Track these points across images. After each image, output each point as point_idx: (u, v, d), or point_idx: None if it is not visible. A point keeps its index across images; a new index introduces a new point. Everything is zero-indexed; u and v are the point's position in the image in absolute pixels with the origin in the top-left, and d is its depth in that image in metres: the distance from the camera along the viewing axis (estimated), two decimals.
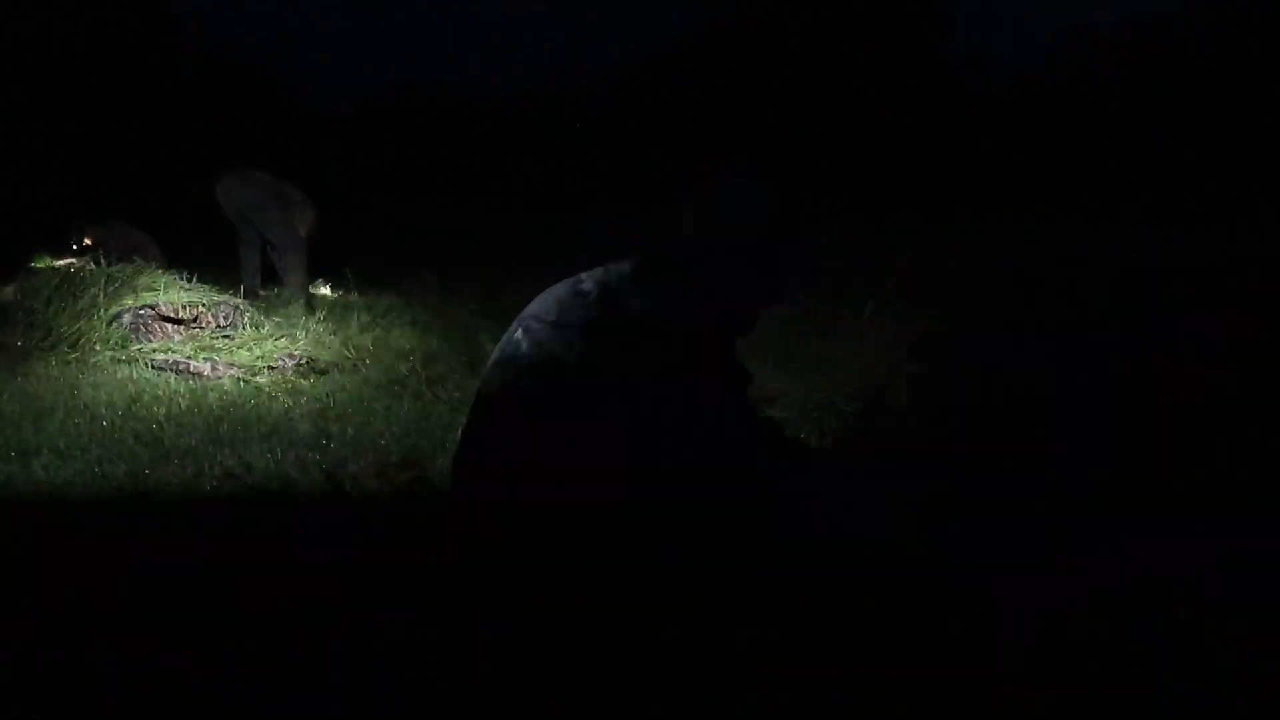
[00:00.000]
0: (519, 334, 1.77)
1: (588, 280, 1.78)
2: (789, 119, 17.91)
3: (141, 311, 4.59)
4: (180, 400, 3.46)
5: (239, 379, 3.96)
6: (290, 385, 3.85)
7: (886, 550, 1.65)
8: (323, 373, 4.10)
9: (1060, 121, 22.09)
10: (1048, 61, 24.75)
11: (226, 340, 4.49)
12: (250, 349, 4.35)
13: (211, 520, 2.18)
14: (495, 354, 1.84)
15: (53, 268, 5.59)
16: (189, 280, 5.07)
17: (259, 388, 3.80)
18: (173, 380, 3.88)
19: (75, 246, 6.39)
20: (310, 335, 4.70)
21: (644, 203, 10.75)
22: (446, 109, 26.45)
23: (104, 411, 3.25)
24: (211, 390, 3.70)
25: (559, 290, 1.80)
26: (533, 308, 1.80)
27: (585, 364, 1.66)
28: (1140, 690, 1.37)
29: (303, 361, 4.23)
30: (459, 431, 2.65)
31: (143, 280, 4.88)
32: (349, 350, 4.34)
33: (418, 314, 5.40)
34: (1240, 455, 2.41)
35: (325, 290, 6.65)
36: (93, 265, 5.36)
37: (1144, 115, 21.25)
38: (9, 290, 5.06)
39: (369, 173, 19.90)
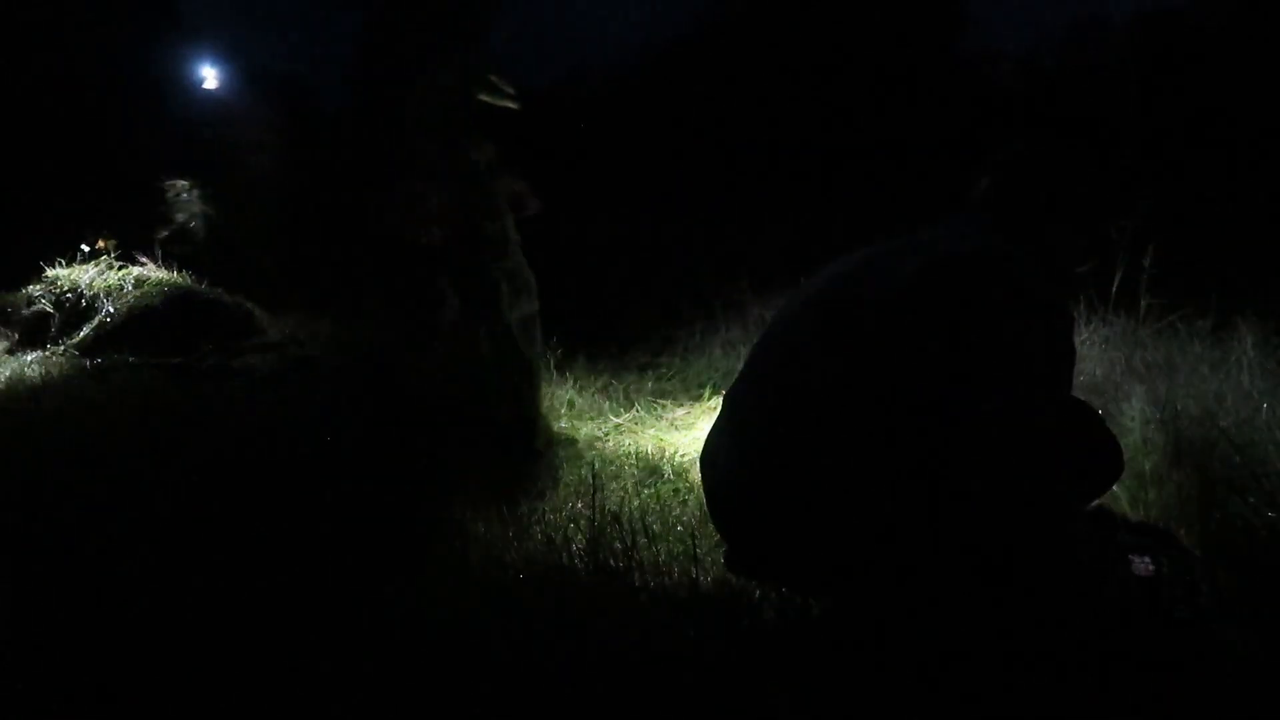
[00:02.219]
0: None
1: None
2: (801, 118, 17.88)
3: None
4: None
5: None
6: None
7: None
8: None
9: (1075, 116, 21.88)
10: (1062, 56, 24.54)
11: None
12: None
13: None
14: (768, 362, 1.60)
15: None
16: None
17: None
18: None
19: (88, 249, 6.38)
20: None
21: (654, 205, 10.66)
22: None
23: None
24: None
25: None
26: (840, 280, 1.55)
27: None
28: None
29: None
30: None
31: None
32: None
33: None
34: None
35: None
36: (106, 269, 5.34)
37: (1160, 109, 21.03)
38: (22, 295, 5.06)
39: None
